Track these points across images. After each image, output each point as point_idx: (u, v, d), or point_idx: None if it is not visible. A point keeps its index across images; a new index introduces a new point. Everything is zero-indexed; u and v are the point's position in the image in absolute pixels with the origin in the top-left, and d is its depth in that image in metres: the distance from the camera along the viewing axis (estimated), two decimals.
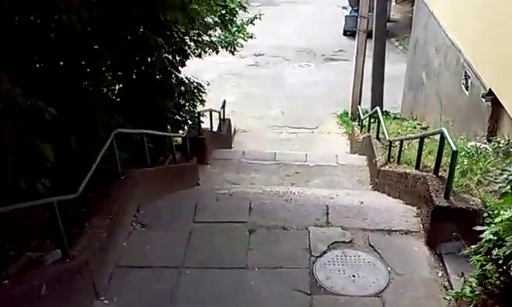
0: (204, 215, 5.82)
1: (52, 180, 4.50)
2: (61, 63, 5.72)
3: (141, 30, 7.64)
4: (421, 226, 5.61)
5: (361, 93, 15.40)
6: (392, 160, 8.53)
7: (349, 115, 15.86)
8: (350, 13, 24.29)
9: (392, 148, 8.63)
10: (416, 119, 11.25)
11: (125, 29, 7.21)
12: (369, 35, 14.32)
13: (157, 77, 9.41)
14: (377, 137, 9.78)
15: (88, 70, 6.36)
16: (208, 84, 12.70)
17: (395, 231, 5.58)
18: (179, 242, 5.27)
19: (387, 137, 8.79)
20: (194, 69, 20.36)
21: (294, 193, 7.15)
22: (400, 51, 23.35)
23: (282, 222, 5.63)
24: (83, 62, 6.14)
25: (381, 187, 8.48)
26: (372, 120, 11.18)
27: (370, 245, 5.35)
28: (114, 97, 8.50)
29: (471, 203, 5.18)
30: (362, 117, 12.14)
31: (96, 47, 6.20)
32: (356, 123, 13.20)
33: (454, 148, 5.03)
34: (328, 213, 5.81)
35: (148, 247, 5.18)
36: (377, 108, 9.94)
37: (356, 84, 15.06)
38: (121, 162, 6.22)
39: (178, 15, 7.62)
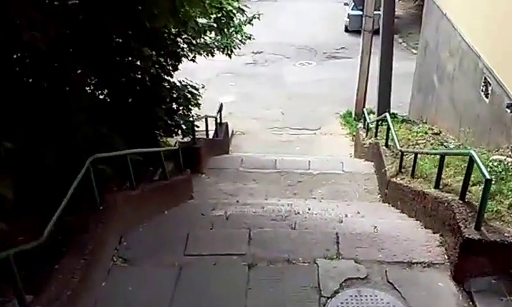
0: (196, 246, 5.07)
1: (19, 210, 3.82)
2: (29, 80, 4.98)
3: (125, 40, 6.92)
4: (446, 257, 4.88)
5: (366, 94, 14.64)
6: (403, 171, 7.81)
7: (353, 115, 15.12)
8: (352, 9, 23.45)
9: (403, 157, 7.91)
10: (426, 123, 10.50)
11: (104, 41, 6.48)
12: (375, 32, 13.56)
13: (148, 82, 8.70)
14: (386, 145, 9.05)
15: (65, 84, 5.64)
16: (203, 87, 12.03)
17: (417, 263, 4.85)
18: (167, 281, 4.53)
19: (398, 147, 8.06)
20: (190, 68, 19.65)
21: (298, 213, 6.43)
22: (404, 48, 22.58)
23: (286, 254, 4.89)
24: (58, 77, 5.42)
25: (392, 200, 7.76)
26: (379, 123, 10.46)
27: (388, 281, 4.62)
28: (99, 105, 7.78)
29: (506, 234, 4.45)
30: (368, 120, 11.39)
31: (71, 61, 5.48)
32: (361, 126, 12.45)
33: (488, 176, 4.30)
34: (338, 243, 5.07)
35: (131, 289, 4.44)
36: (387, 114, 9.19)
37: (360, 84, 14.30)
38: (105, 179, 5.54)
39: (169, 21, 6.89)
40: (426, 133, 9.31)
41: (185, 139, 10.58)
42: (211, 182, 9.47)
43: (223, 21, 8.10)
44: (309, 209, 6.72)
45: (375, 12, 13.21)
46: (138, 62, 8.15)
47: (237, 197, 8.67)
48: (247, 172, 9.78)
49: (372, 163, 9.80)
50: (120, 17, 6.21)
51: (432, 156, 7.47)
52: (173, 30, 9.12)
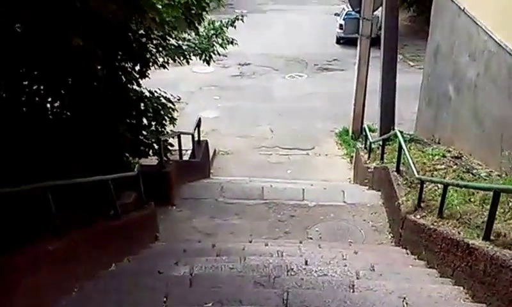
0: None
1: None
2: None
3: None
4: None
5: (364, 109, 13.03)
6: (423, 205, 6.13)
7: (350, 133, 13.47)
8: (345, 17, 22.00)
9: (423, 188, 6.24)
10: (439, 143, 8.86)
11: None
12: (372, 42, 12.02)
13: (105, 91, 7.12)
14: (398, 170, 7.38)
15: None
16: (179, 99, 10.38)
17: None
18: None
19: (415, 174, 6.39)
20: (170, 81, 18.03)
21: (292, 270, 4.68)
22: (400, 60, 21.05)
23: None
24: None
25: (410, 245, 6.06)
26: (385, 142, 8.81)
27: None
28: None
29: None
30: (371, 139, 9.72)
31: None
32: (361, 146, 10.79)
33: None
34: None
35: None
36: (397, 132, 7.54)
37: (358, 98, 12.69)
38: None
39: (119, 8, 5.21)
40: (444, 156, 7.65)
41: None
42: (183, 217, 7.70)
43: (192, 11, 6.39)
44: (306, 263, 4.99)
45: (373, 15, 11.66)
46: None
47: (214, 238, 6.96)
48: (228, 203, 8.04)
49: (379, 192, 8.12)
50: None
51: (460, 188, 5.82)
52: (137, 29, 7.52)
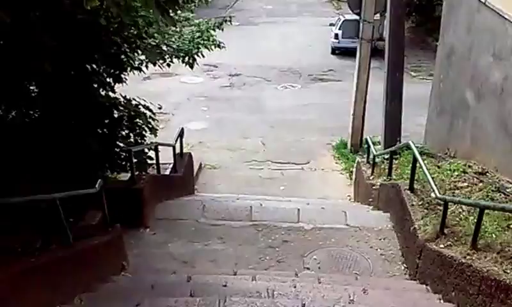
0: None
1: None
2: None
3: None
4: None
5: (364, 119, 11.97)
6: (447, 232, 5.00)
7: (349, 146, 12.38)
8: (341, 26, 21.16)
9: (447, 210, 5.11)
10: (455, 156, 7.77)
11: None
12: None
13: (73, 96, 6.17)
14: (411, 189, 6.25)
15: None
16: (160, 107, 9.34)
17: None
18: None
19: (437, 194, 5.26)
20: (156, 91, 16.94)
21: None
22: None
23: None
24: None
25: (431, 280, 4.92)
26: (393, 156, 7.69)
27: None
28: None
29: None
30: (374, 152, 8.61)
31: None
32: (363, 160, 9.67)
33: None
34: None
35: None
36: (411, 143, 6.42)
37: (357, 107, 11.65)
38: None
39: None
40: (465, 172, 6.56)
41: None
42: (157, 241, 6.50)
43: None
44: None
45: (375, 17, 10.68)
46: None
47: (191, 268, 5.79)
48: (211, 225, 6.85)
49: (387, 214, 6.98)
50: None
51: (494, 211, 4.71)
52: (107, 25, 6.47)
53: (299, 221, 6.91)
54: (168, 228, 6.78)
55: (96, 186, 5.40)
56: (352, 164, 11.69)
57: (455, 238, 4.82)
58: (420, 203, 5.99)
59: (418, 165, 6.00)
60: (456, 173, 6.61)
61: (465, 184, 6.18)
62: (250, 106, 16.39)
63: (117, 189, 6.49)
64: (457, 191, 6.09)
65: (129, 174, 7.21)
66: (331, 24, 23.96)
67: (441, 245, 4.87)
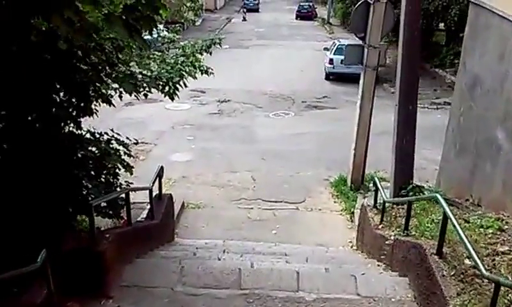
0: None
1: None
2: None
3: None
4: None
5: (366, 153, 10.81)
6: None
7: (349, 183, 11.17)
8: (338, 51, 20.18)
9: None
10: (479, 205, 6.58)
11: None
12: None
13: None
14: (440, 253, 4.99)
15: None
16: (136, 143, 8.16)
17: None
18: None
19: (484, 273, 4.02)
20: (138, 119, 15.63)
21: None
22: None
23: None
24: None
25: None
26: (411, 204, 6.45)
27: None
28: None
29: None
30: (385, 196, 7.34)
31: None
32: (369, 203, 8.41)
33: None
34: None
35: None
36: (438, 196, 5.18)
37: (359, 141, 10.49)
38: None
39: None
40: (502, 230, 5.37)
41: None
42: None
43: (137, 13, 4.01)
44: None
45: (381, 43, 9.60)
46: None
47: None
48: (190, 295, 5.51)
49: (406, 279, 5.70)
50: None
51: None
52: (70, 48, 5.26)
53: (299, 289, 5.60)
54: (135, 298, 5.42)
55: (38, 260, 4.10)
56: (353, 203, 10.51)
57: None
58: (452, 272, 4.74)
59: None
60: (491, 231, 5.40)
61: (506, 248, 4.96)
62: (240, 135, 15.24)
63: (73, 252, 5.19)
64: (497, 258, 4.86)
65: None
66: (326, 49, 23.13)
67: None
